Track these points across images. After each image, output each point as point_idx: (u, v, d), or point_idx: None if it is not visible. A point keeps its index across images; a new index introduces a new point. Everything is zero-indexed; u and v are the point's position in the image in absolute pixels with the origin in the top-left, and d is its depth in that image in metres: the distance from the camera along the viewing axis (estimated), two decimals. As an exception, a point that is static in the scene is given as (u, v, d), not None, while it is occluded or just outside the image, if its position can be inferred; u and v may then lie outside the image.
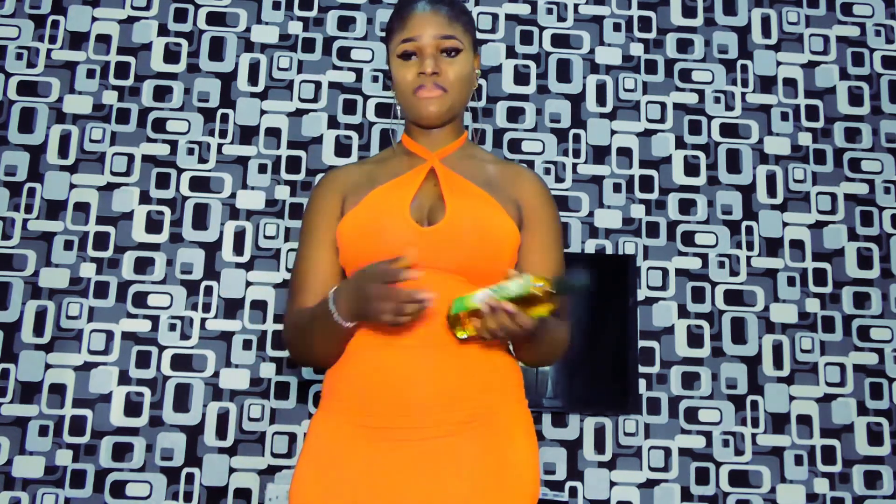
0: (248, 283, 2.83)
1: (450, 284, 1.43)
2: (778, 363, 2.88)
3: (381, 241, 1.44)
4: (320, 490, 1.43)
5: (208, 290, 2.82)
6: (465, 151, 1.60)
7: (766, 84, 3.10)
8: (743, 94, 3.09)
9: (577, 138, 3.01)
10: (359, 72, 3.01)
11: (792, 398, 2.86)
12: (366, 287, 1.31)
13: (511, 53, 3.07)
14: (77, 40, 2.97)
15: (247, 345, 2.78)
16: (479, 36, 3.07)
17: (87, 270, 2.80)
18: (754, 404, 2.85)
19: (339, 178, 1.58)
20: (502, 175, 1.55)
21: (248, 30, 3.03)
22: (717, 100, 3.08)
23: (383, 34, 3.04)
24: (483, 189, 1.52)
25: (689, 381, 2.85)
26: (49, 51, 2.96)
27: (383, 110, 2.99)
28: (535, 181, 1.57)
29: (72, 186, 2.86)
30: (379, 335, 1.42)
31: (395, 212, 1.46)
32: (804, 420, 2.85)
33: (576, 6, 3.12)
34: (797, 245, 2.98)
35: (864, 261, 2.98)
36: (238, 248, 2.85)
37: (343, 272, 1.54)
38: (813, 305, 2.94)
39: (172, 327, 2.78)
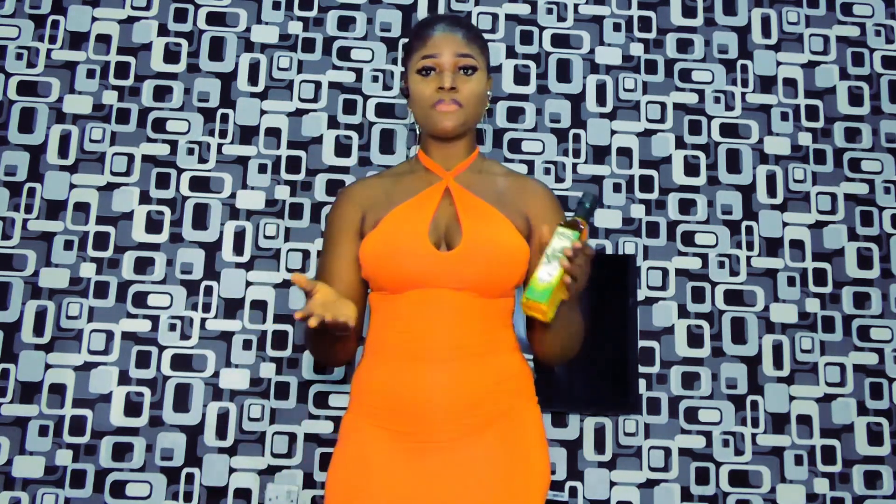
0: (248, 283, 2.83)
1: (463, 301, 1.55)
2: (778, 363, 2.88)
3: (399, 265, 1.56)
4: (350, 489, 1.53)
5: (208, 290, 2.82)
6: (477, 166, 1.69)
7: (766, 84, 3.10)
8: (743, 94, 3.09)
9: (577, 138, 3.01)
10: (359, 72, 3.01)
11: (792, 398, 2.86)
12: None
13: (511, 53, 3.07)
14: (77, 40, 2.97)
15: (247, 345, 2.78)
16: (479, 36, 3.07)
17: (87, 270, 2.80)
18: (754, 404, 2.85)
19: (358, 193, 1.67)
20: (511, 188, 1.66)
21: (248, 30, 3.03)
22: (717, 100, 3.08)
23: (383, 34, 3.04)
24: (494, 205, 1.62)
25: (689, 381, 2.85)
26: (49, 51, 2.96)
27: (383, 110, 2.99)
28: (542, 191, 1.68)
29: (72, 186, 2.86)
30: (400, 347, 1.55)
31: (413, 236, 1.56)
32: (804, 420, 2.85)
33: (576, 6, 3.12)
34: (797, 245, 2.98)
35: (864, 261, 2.98)
36: (238, 248, 2.85)
37: (367, 284, 1.67)
38: (813, 305, 2.94)
39: (172, 327, 2.78)
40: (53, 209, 2.84)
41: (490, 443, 1.51)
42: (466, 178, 1.66)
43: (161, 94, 2.95)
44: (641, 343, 2.86)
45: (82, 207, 2.85)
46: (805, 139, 3.06)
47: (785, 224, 2.99)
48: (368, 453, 1.53)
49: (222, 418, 2.73)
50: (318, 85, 3.00)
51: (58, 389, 2.72)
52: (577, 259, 1.39)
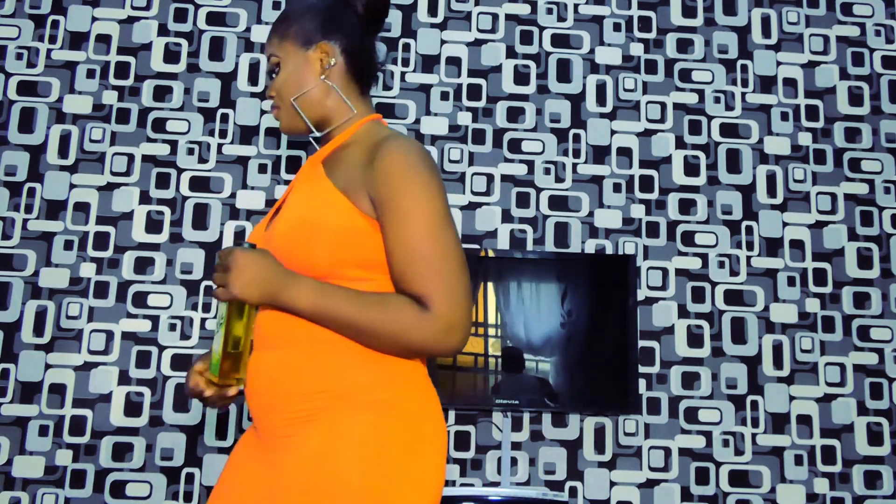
0: (248, 283, 2.83)
1: None
2: (778, 363, 2.88)
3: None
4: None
5: (208, 290, 2.82)
6: (356, 139, 1.54)
7: (766, 84, 3.10)
8: (743, 94, 3.08)
9: (577, 138, 3.01)
10: (359, 72, 3.01)
11: (792, 398, 2.86)
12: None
13: (511, 53, 3.07)
14: (77, 40, 2.97)
15: (247, 345, 2.78)
16: (479, 36, 3.07)
17: (87, 270, 2.80)
18: (754, 404, 2.85)
19: None
20: (364, 164, 1.46)
21: (248, 30, 3.03)
22: (717, 100, 3.08)
23: (383, 34, 3.04)
24: (344, 185, 1.46)
25: (689, 381, 2.85)
26: (49, 51, 2.96)
27: (383, 110, 2.99)
28: (382, 160, 1.43)
29: (72, 186, 2.86)
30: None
31: (263, 221, 1.62)
32: (804, 420, 2.85)
33: (576, 6, 3.12)
34: (797, 245, 2.98)
35: (864, 261, 2.98)
36: (238, 248, 2.85)
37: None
38: (813, 305, 2.94)
39: (172, 327, 2.78)
40: (53, 209, 2.84)
41: (302, 445, 1.37)
42: (336, 157, 1.53)
43: (161, 94, 2.95)
44: (641, 343, 2.86)
45: (82, 207, 2.85)
46: (805, 139, 3.06)
47: (785, 224, 2.99)
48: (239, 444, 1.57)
49: (222, 418, 2.73)
50: (318, 85, 3.00)
51: (58, 389, 2.72)
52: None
